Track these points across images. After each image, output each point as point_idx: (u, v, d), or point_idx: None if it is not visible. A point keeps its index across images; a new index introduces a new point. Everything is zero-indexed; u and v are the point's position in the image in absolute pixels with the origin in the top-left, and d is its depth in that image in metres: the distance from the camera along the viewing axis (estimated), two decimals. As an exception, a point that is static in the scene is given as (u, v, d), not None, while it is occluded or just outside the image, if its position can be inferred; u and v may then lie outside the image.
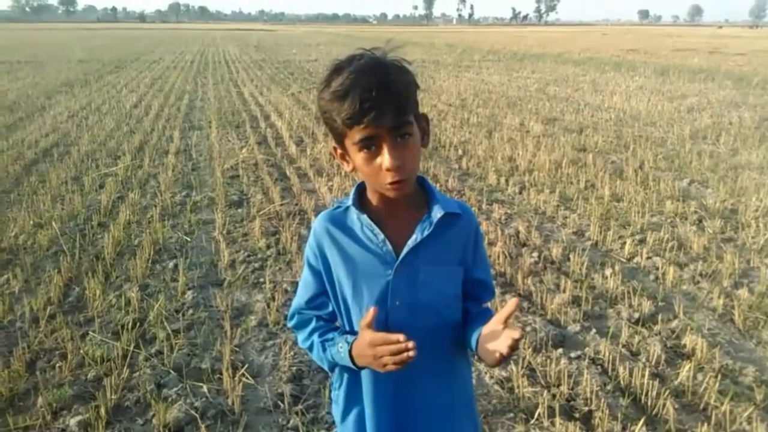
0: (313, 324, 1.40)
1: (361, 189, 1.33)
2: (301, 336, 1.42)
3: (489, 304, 1.47)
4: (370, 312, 1.20)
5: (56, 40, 41.89)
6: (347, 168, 1.27)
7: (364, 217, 1.29)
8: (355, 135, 1.16)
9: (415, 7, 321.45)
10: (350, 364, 1.28)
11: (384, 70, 1.15)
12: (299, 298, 1.42)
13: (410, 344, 1.13)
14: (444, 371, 1.36)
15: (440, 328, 1.32)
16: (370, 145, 1.16)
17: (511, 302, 1.18)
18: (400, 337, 1.14)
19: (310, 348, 1.39)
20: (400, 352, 1.14)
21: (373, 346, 1.18)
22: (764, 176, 6.48)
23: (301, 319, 1.42)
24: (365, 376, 1.34)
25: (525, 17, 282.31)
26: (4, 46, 34.07)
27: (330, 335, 1.35)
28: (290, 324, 1.45)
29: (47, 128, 9.23)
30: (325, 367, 1.39)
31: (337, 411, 1.45)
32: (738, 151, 7.77)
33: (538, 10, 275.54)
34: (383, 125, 1.13)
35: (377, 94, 1.11)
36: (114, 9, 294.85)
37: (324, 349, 1.34)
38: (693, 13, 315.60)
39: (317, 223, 1.36)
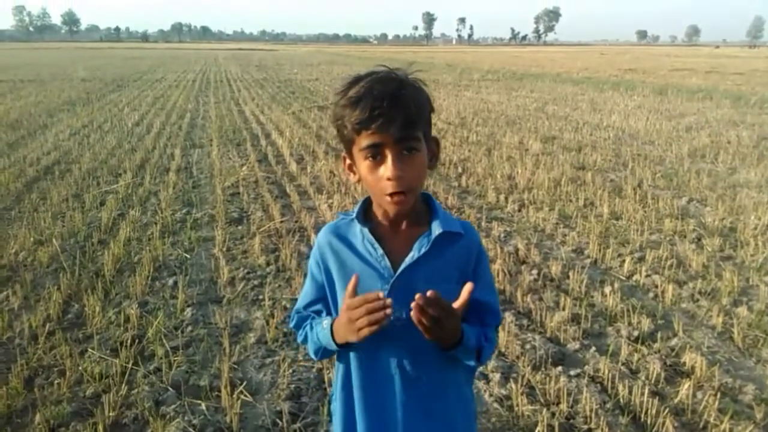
0: (309, 320, 1.43)
1: (367, 203, 1.36)
2: (299, 332, 1.45)
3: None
4: (353, 280, 1.22)
5: (59, 59, 42.25)
6: (353, 179, 1.30)
7: (366, 230, 1.31)
8: (363, 141, 1.19)
9: (415, 28, 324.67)
10: (331, 342, 1.30)
11: (398, 84, 1.19)
12: (299, 303, 1.46)
13: (388, 301, 1.14)
14: (440, 386, 1.36)
15: (435, 344, 1.33)
16: (376, 154, 1.20)
17: (465, 287, 1.19)
18: (380, 293, 1.16)
19: (305, 340, 1.41)
20: (376, 310, 1.15)
21: (351, 309, 1.19)
22: (763, 194, 6.51)
23: (300, 317, 1.46)
24: (358, 388, 1.35)
25: (524, 38, 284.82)
26: (7, 64, 34.37)
27: (320, 318, 1.38)
28: (291, 325, 1.49)
29: (49, 146, 9.28)
30: (311, 353, 1.40)
31: (335, 423, 1.46)
32: (736, 169, 7.81)
33: (536, 30, 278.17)
34: (390, 134, 1.16)
35: (388, 104, 1.15)
36: (117, 29, 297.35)
37: (312, 328, 1.38)
38: (691, 34, 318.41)
39: (321, 233, 1.40)
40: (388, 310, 1.14)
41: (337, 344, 1.29)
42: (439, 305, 1.15)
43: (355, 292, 1.22)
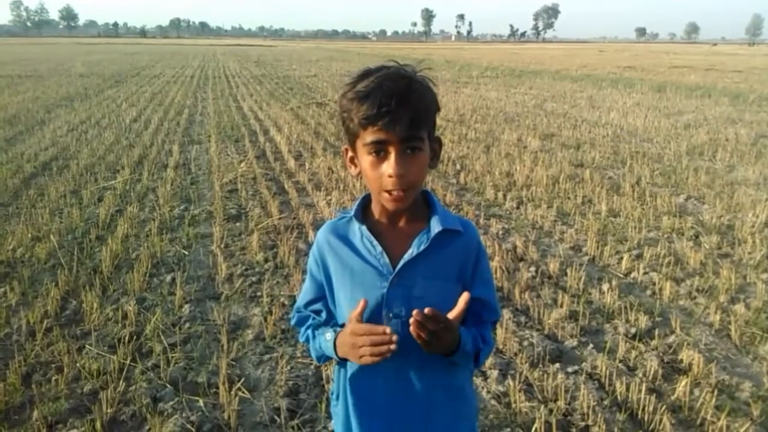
0: (310, 321, 1.45)
1: (365, 201, 1.36)
2: (301, 330, 1.47)
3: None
4: (361, 303, 1.23)
5: (57, 55, 42.12)
6: (353, 172, 1.31)
7: (364, 228, 1.32)
8: (367, 137, 1.19)
9: (414, 24, 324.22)
10: (333, 354, 1.32)
11: (408, 81, 1.19)
12: (300, 300, 1.47)
13: (394, 338, 1.15)
14: (439, 387, 1.36)
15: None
16: (379, 150, 1.20)
17: (462, 297, 1.22)
18: (387, 329, 1.17)
19: (307, 340, 1.43)
20: (381, 343, 1.16)
21: (355, 335, 1.21)
22: (760, 192, 6.52)
23: (301, 317, 1.47)
24: (359, 389, 1.35)
25: (523, 34, 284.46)
26: (4, 60, 34.25)
27: (322, 329, 1.39)
28: (292, 323, 1.50)
29: (47, 142, 9.26)
30: (314, 357, 1.43)
31: (336, 423, 1.46)
32: (734, 167, 7.82)
33: (535, 27, 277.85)
34: (395, 132, 1.16)
35: (396, 101, 1.15)
36: (115, 24, 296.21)
37: (314, 337, 1.39)
38: (690, 31, 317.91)
39: (320, 232, 1.40)
40: (393, 346, 1.16)
41: (338, 357, 1.31)
42: (437, 320, 1.16)
43: (361, 317, 1.23)
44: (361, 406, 1.36)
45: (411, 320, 1.15)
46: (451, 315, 1.21)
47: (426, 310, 1.15)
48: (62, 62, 32.33)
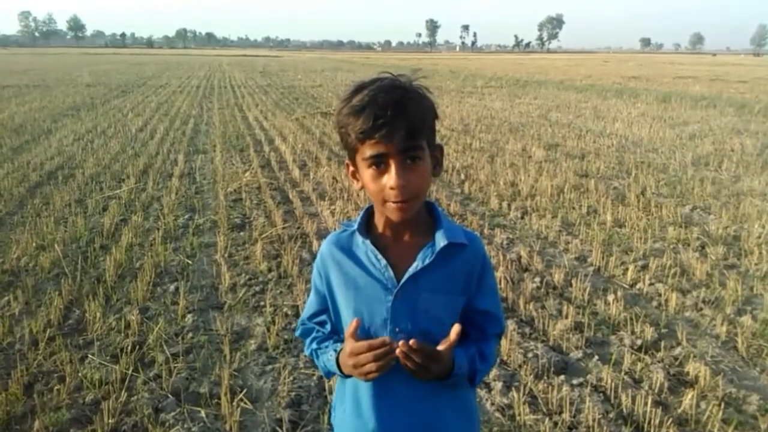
0: (314, 333, 1.44)
1: (369, 213, 1.35)
2: (306, 341, 1.46)
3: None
4: (353, 323, 1.22)
5: (64, 65, 42.46)
6: (356, 186, 1.29)
7: (368, 242, 1.30)
8: (366, 150, 1.18)
9: (419, 35, 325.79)
10: (338, 371, 1.32)
11: (402, 92, 1.18)
12: (304, 313, 1.47)
13: (395, 344, 1.15)
14: (443, 401, 1.34)
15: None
16: (379, 163, 1.18)
17: (453, 329, 1.20)
18: (386, 339, 1.17)
19: (311, 355, 1.43)
20: (384, 355, 1.16)
21: (354, 354, 1.20)
22: (767, 203, 6.48)
23: (305, 328, 1.47)
24: (363, 399, 1.34)
25: (527, 45, 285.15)
26: (12, 70, 34.54)
27: (326, 344, 1.39)
28: (297, 334, 1.50)
29: (53, 151, 9.31)
30: (321, 372, 1.42)
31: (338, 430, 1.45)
32: (740, 177, 7.79)
33: (540, 37, 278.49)
34: (393, 144, 1.15)
35: (392, 113, 1.14)
36: (123, 35, 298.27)
37: (318, 356, 1.39)
38: (694, 41, 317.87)
39: (324, 245, 1.39)
40: (397, 351, 1.16)
41: (344, 375, 1.31)
42: (422, 353, 1.17)
43: (356, 335, 1.22)
44: (369, 414, 1.34)
45: (397, 351, 1.16)
46: (441, 347, 1.20)
47: (411, 342, 1.15)
48: (69, 72, 32.58)
